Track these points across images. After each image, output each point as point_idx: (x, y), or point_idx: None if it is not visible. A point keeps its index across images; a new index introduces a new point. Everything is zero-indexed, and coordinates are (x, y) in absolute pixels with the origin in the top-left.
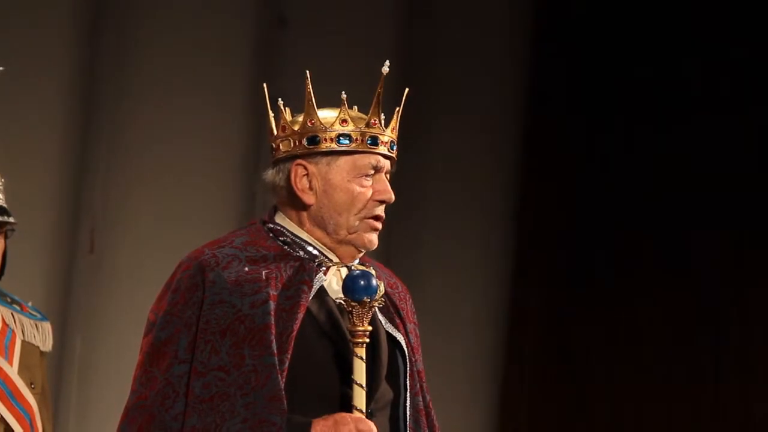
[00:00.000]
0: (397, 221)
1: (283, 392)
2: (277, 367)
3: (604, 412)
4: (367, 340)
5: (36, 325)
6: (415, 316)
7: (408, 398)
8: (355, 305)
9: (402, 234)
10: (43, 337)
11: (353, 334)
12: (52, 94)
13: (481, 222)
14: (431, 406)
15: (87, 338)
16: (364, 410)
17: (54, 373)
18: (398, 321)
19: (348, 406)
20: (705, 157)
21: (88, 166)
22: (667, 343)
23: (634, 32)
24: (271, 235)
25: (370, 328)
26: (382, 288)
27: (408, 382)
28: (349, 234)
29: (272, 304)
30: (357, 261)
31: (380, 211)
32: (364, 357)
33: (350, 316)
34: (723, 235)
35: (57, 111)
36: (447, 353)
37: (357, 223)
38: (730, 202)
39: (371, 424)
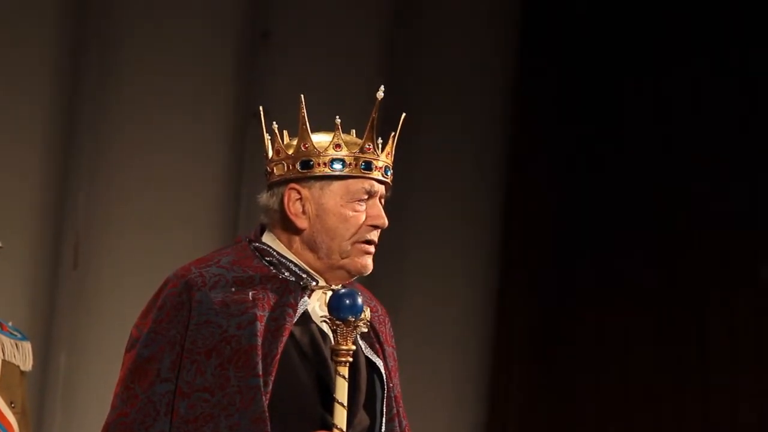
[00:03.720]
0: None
1: (267, 414)
2: (262, 389)
3: (592, 415)
4: (351, 359)
5: (16, 344)
6: (394, 340)
7: (383, 424)
8: (340, 324)
9: (385, 244)
10: (24, 356)
11: (337, 353)
12: (34, 109)
13: (466, 228)
14: (408, 430)
15: (71, 355)
16: (344, 429)
17: (38, 392)
18: (377, 346)
19: (328, 429)
20: (690, 163)
21: (71, 182)
22: (654, 346)
23: (622, 37)
24: (257, 254)
25: (353, 347)
26: (368, 312)
27: (384, 408)
28: (342, 259)
29: (259, 325)
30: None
31: (374, 236)
32: (346, 376)
33: (334, 335)
34: (709, 238)
35: (39, 127)
36: (433, 362)
37: (349, 247)
38: (716, 207)
39: None
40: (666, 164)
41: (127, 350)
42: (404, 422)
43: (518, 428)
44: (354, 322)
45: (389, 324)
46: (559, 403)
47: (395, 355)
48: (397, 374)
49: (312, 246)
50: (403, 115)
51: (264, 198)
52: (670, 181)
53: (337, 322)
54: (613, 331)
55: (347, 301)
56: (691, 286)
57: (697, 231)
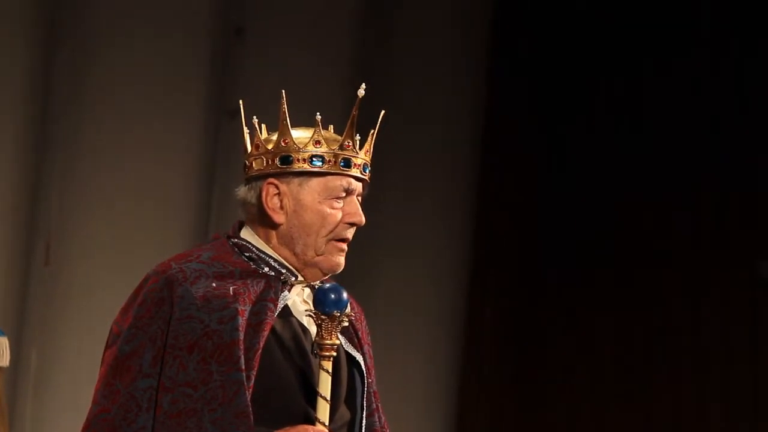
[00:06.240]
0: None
1: (250, 408)
2: (245, 383)
3: (563, 416)
4: (335, 353)
5: None
6: (369, 337)
7: (364, 419)
8: (325, 318)
9: (355, 246)
10: (0, 352)
11: (321, 347)
12: (6, 106)
13: (436, 229)
14: (387, 426)
15: (42, 351)
16: (327, 423)
17: (9, 387)
18: (356, 341)
19: (311, 423)
20: (662, 165)
21: (43, 177)
22: (624, 346)
23: (592, 36)
24: (236, 250)
25: (338, 342)
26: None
27: (365, 403)
28: (317, 256)
29: (240, 320)
30: (319, 281)
31: (349, 233)
32: (330, 370)
33: (318, 329)
34: (680, 240)
35: (11, 123)
36: (402, 364)
37: (324, 245)
38: (688, 206)
39: None
40: (641, 163)
41: (108, 347)
42: (383, 417)
43: (488, 429)
44: (339, 316)
45: (365, 321)
46: (529, 404)
47: (371, 352)
48: (374, 371)
49: (288, 242)
50: (383, 112)
51: (242, 192)
52: (643, 180)
53: (322, 316)
54: (583, 331)
55: (332, 296)
56: (661, 286)
57: (667, 230)
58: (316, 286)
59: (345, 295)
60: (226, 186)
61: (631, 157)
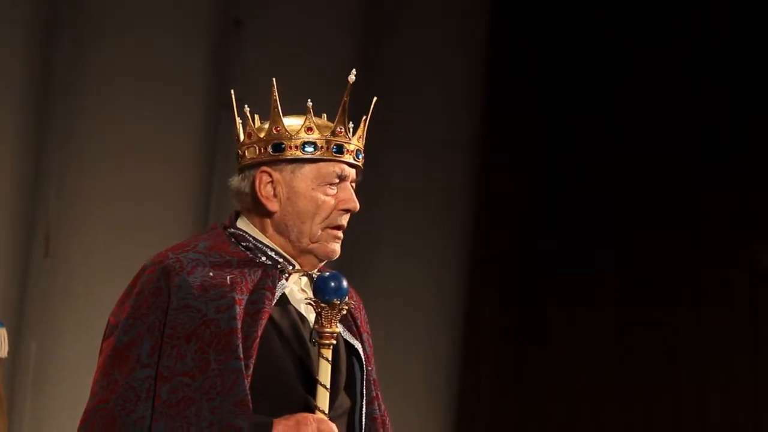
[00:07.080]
0: (351, 228)
1: (249, 397)
2: (244, 372)
3: (562, 415)
4: (335, 342)
5: None
6: (369, 326)
7: (364, 406)
8: (325, 306)
9: (353, 242)
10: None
11: (321, 335)
12: (6, 97)
13: (435, 226)
14: (387, 414)
15: (42, 344)
16: (326, 411)
17: (8, 380)
18: (355, 329)
19: (310, 411)
20: (662, 165)
21: (43, 169)
22: (624, 345)
23: (592, 36)
24: (233, 240)
25: (338, 330)
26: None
27: (364, 390)
28: (312, 243)
29: (238, 309)
30: (316, 270)
31: (344, 220)
32: (330, 358)
33: (318, 318)
34: (679, 236)
35: (11, 114)
36: (401, 362)
37: (320, 232)
38: (687, 203)
39: (333, 425)
40: (641, 163)
41: (106, 337)
42: (383, 405)
43: (487, 429)
44: (339, 305)
45: (364, 311)
46: (528, 404)
47: (371, 341)
48: (373, 360)
49: (283, 230)
50: (375, 98)
51: (235, 181)
52: (643, 179)
53: (322, 304)
54: (582, 330)
55: (333, 284)
56: (661, 285)
57: (665, 229)
58: (316, 275)
59: (345, 283)
60: (226, 180)
61: (631, 157)
